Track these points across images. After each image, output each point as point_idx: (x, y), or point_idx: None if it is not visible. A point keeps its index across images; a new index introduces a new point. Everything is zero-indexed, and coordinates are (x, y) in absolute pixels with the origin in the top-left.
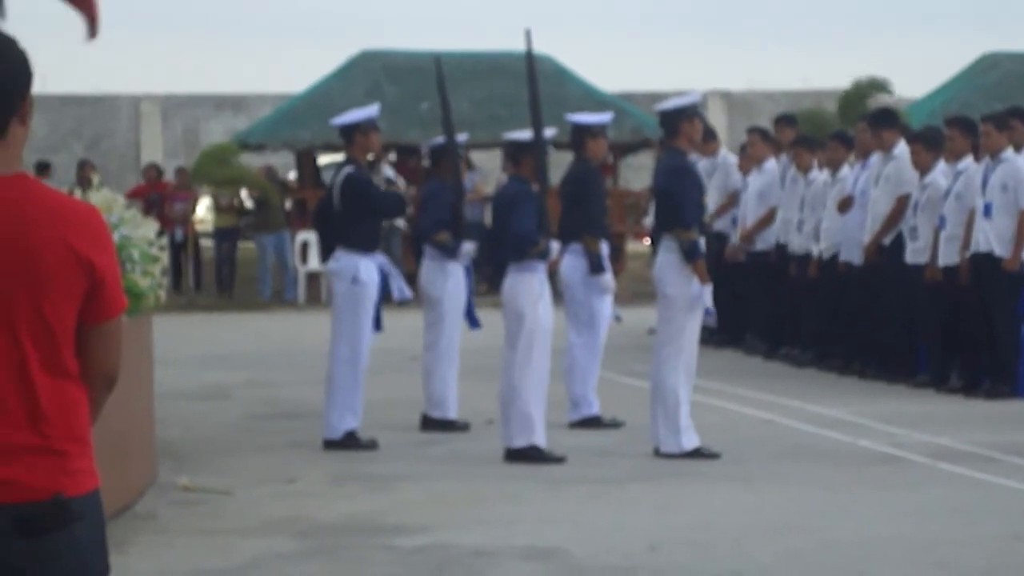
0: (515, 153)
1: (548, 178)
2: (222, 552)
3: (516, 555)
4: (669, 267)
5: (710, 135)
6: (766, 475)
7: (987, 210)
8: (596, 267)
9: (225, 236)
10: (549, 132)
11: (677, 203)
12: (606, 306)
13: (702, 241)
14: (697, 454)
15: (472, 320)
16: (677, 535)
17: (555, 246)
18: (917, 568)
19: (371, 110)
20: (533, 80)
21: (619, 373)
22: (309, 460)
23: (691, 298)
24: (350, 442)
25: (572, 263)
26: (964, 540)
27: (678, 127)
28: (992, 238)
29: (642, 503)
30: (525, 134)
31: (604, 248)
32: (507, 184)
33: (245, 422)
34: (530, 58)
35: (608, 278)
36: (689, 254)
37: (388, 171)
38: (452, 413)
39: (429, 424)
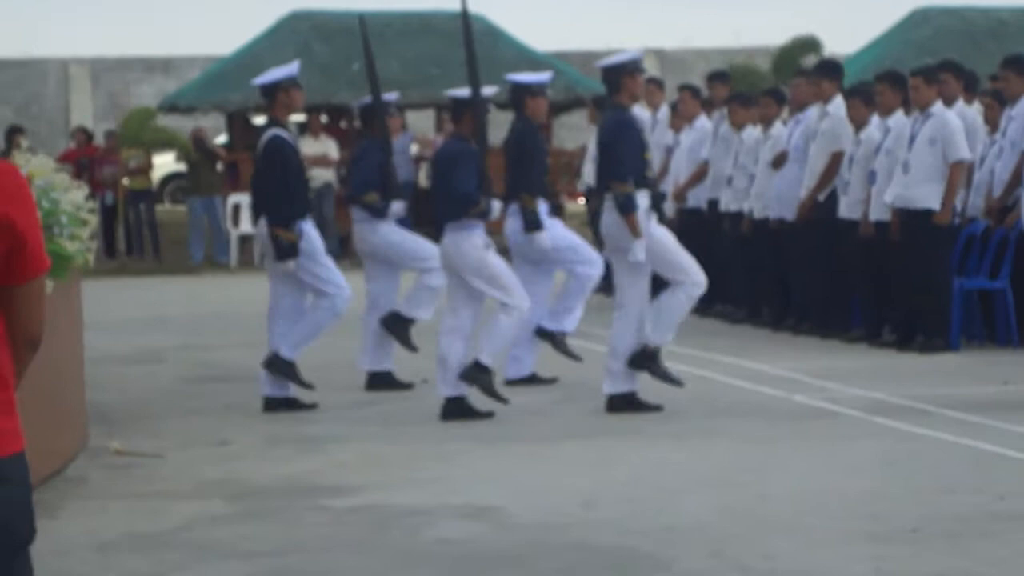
0: (455, 110)
1: (487, 136)
2: (155, 516)
3: (452, 514)
4: (617, 224)
5: (658, 85)
6: (701, 431)
7: (906, 166)
8: (532, 225)
9: (139, 198)
10: (488, 91)
11: (616, 157)
12: (549, 265)
13: (638, 195)
14: (636, 402)
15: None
16: (612, 492)
17: (497, 205)
18: (851, 521)
19: (291, 68)
20: (469, 38)
21: None
22: (242, 423)
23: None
24: (292, 403)
25: (515, 223)
26: (898, 493)
27: (620, 83)
28: (914, 194)
29: (577, 461)
30: (465, 92)
31: (543, 207)
32: (447, 143)
33: (178, 385)
34: (466, 16)
35: (544, 236)
36: (623, 207)
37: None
38: (390, 365)
39: (375, 380)
